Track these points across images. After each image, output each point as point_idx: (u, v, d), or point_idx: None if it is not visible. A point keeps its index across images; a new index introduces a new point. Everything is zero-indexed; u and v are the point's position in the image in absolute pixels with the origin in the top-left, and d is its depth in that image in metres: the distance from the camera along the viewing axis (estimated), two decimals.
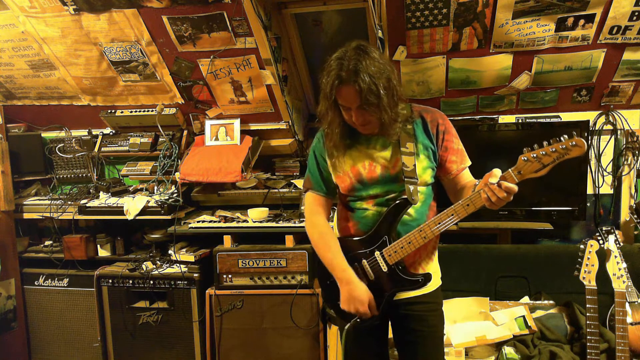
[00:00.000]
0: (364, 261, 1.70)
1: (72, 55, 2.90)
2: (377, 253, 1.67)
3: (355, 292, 1.65)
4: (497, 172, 1.43)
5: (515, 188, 1.40)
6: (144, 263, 3.02)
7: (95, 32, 2.73)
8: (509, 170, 1.43)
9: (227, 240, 2.86)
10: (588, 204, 2.85)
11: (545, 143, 1.38)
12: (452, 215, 1.55)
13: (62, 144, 3.37)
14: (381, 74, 1.51)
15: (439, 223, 1.58)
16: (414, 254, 1.69)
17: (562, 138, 1.35)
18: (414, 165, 1.64)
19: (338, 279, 1.70)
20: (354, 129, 1.66)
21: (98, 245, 3.20)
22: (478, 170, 1.72)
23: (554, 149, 1.36)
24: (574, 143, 1.33)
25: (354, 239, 1.73)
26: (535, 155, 1.38)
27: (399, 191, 1.65)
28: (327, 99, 1.58)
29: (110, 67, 2.94)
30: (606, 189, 2.91)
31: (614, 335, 2.03)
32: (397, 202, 1.63)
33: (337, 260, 1.70)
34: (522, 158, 1.40)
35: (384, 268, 1.67)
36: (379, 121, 1.57)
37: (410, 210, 1.66)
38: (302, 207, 2.81)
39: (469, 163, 1.73)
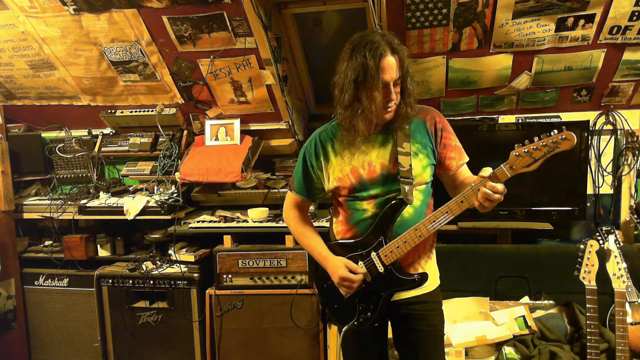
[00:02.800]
0: (361, 263, 1.69)
1: (72, 55, 2.90)
2: (373, 254, 1.67)
3: (333, 264, 1.71)
4: (487, 169, 1.48)
5: (499, 187, 1.43)
6: (144, 263, 3.02)
7: (95, 32, 2.73)
8: (501, 165, 1.46)
9: (227, 240, 2.86)
10: (588, 204, 2.85)
11: (536, 138, 1.42)
12: (447, 212, 1.56)
13: (62, 144, 3.37)
14: (405, 55, 1.59)
15: (434, 221, 1.59)
16: (412, 254, 1.69)
17: (551, 132, 1.39)
18: (410, 165, 1.64)
19: (319, 262, 1.78)
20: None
21: (98, 245, 3.20)
22: (478, 171, 1.72)
23: (544, 143, 1.40)
24: (563, 137, 1.37)
25: (351, 241, 1.73)
26: (526, 150, 1.42)
27: (398, 191, 1.66)
28: (364, 81, 1.52)
29: (110, 67, 2.94)
30: (606, 189, 2.91)
31: (614, 335, 2.03)
32: (393, 202, 1.64)
33: (313, 244, 1.80)
34: (514, 153, 1.44)
35: (380, 269, 1.67)
36: (402, 103, 1.61)
37: (410, 210, 1.66)
38: None
39: (467, 159, 1.74)
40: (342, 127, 1.67)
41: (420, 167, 1.67)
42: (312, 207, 2.96)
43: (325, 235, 1.88)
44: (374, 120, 1.59)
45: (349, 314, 1.75)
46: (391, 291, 1.69)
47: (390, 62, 1.53)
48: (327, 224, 2.67)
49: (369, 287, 1.70)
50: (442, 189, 1.80)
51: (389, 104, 1.58)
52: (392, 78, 1.55)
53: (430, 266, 1.76)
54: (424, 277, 1.66)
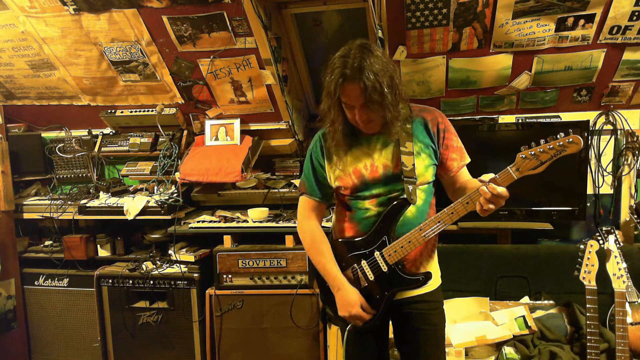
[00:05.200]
0: (364, 262, 1.70)
1: (72, 55, 2.90)
2: (376, 253, 1.67)
3: (346, 297, 1.68)
4: (489, 175, 1.49)
5: (499, 189, 1.43)
6: (144, 263, 3.02)
7: (95, 32, 2.73)
8: (508, 167, 1.45)
9: (227, 240, 2.86)
10: (588, 204, 2.85)
11: (542, 141, 1.40)
12: (452, 213, 1.56)
13: (62, 144, 3.37)
14: (385, 72, 1.51)
15: (439, 222, 1.59)
16: (415, 254, 1.69)
17: (558, 135, 1.38)
18: (413, 164, 1.64)
19: (330, 286, 1.74)
20: (356, 128, 1.66)
21: (98, 245, 3.20)
22: (478, 171, 1.72)
23: (551, 146, 1.39)
24: (570, 140, 1.36)
25: (354, 240, 1.73)
26: (533, 152, 1.41)
27: (401, 190, 1.66)
28: (331, 97, 1.57)
29: (110, 67, 2.94)
30: (606, 189, 2.91)
31: (614, 335, 2.03)
32: (395, 202, 1.64)
33: (329, 266, 1.73)
34: (520, 156, 1.43)
35: (384, 268, 1.67)
36: (382, 119, 1.58)
37: (412, 209, 1.66)
38: None
39: (468, 160, 1.74)
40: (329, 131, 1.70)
41: (423, 167, 1.67)
42: None
43: (326, 235, 1.87)
44: (343, 132, 1.63)
45: None
46: (394, 290, 1.69)
47: (352, 89, 1.50)
48: (327, 224, 2.67)
49: (372, 287, 1.70)
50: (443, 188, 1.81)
51: (360, 122, 1.59)
52: (355, 102, 1.54)
53: (432, 265, 1.77)
54: (427, 277, 1.67)
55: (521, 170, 1.43)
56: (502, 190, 1.43)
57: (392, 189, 1.67)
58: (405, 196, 1.62)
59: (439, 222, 1.58)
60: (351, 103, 1.55)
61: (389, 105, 1.53)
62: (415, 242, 1.62)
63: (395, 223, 1.65)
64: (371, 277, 1.69)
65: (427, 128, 1.69)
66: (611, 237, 2.16)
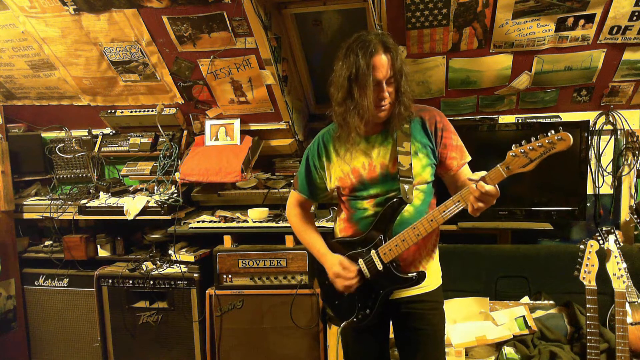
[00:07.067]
0: (360, 260, 1.70)
1: (72, 55, 2.90)
2: (372, 252, 1.68)
3: (329, 261, 1.74)
4: (479, 173, 1.50)
5: (487, 187, 1.43)
6: (144, 263, 3.02)
7: (95, 32, 2.73)
8: (498, 165, 1.45)
9: (227, 240, 2.86)
10: (588, 204, 2.85)
11: (532, 138, 1.41)
12: (444, 212, 1.57)
13: (62, 144, 3.37)
14: (400, 55, 1.60)
15: (432, 220, 1.59)
16: (413, 253, 1.69)
17: (548, 133, 1.38)
18: (410, 164, 1.64)
19: (317, 258, 1.81)
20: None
21: (98, 245, 3.20)
22: (478, 171, 1.72)
23: (540, 144, 1.39)
24: (559, 137, 1.37)
25: (351, 239, 1.74)
26: (522, 150, 1.41)
27: (398, 190, 1.66)
28: (358, 76, 1.55)
29: (110, 67, 2.94)
30: (606, 189, 2.91)
31: (614, 335, 2.03)
32: (392, 201, 1.65)
33: (314, 240, 1.84)
34: (510, 154, 1.44)
35: (379, 267, 1.67)
36: (392, 107, 1.61)
37: (410, 209, 1.67)
38: None
39: (469, 158, 1.74)
40: (337, 125, 1.69)
41: (420, 167, 1.67)
42: (312, 207, 2.96)
43: (326, 235, 1.89)
44: (365, 116, 1.59)
45: (348, 311, 1.75)
46: (389, 289, 1.70)
47: (381, 61, 1.55)
48: (327, 224, 2.68)
49: (368, 285, 1.71)
50: (444, 188, 1.80)
51: (382, 102, 1.59)
52: (383, 76, 1.56)
53: (431, 265, 1.77)
54: (421, 276, 1.67)
55: (511, 168, 1.44)
56: (490, 188, 1.43)
57: (389, 188, 1.67)
58: (400, 196, 1.63)
59: (431, 220, 1.59)
60: (379, 77, 1.55)
61: (407, 84, 1.60)
62: (409, 240, 1.62)
63: (392, 222, 1.66)
64: (368, 275, 1.70)
65: (425, 127, 1.70)
66: (611, 237, 2.16)
